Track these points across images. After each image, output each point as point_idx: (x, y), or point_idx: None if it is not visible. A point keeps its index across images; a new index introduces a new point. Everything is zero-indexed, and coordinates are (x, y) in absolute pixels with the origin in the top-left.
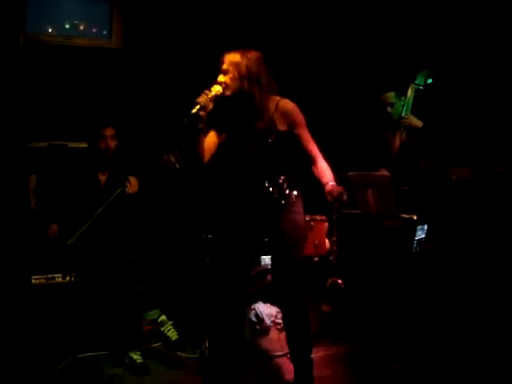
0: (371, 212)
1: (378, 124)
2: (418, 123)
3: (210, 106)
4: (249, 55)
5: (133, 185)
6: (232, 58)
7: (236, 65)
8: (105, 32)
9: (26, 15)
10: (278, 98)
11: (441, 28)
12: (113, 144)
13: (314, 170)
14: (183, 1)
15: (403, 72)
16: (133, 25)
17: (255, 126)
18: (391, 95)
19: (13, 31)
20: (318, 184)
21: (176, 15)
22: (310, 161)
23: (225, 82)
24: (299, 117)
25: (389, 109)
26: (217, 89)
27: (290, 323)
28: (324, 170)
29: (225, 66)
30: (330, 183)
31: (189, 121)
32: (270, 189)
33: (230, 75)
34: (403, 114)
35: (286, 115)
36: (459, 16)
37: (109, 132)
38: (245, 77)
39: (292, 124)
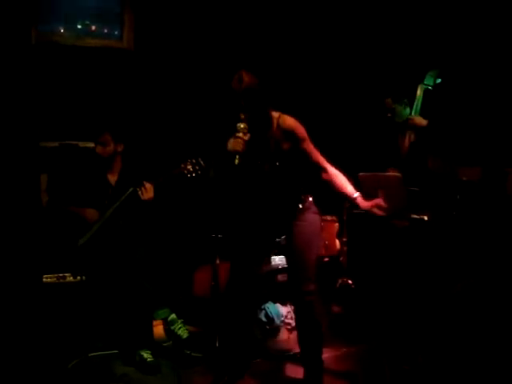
0: None
1: (387, 125)
2: (423, 122)
3: (245, 148)
4: (246, 79)
5: (148, 191)
6: (238, 86)
7: (250, 92)
8: (116, 32)
9: (39, 15)
10: (277, 114)
11: (449, 28)
12: (107, 149)
13: (328, 179)
14: (195, 1)
15: (412, 73)
16: (144, 25)
17: (267, 148)
18: (388, 102)
19: (25, 31)
20: (328, 185)
21: (187, 15)
22: (321, 171)
23: (247, 116)
24: (301, 132)
25: (389, 114)
26: (242, 126)
27: (302, 324)
28: (342, 182)
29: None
30: (355, 195)
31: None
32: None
33: (249, 107)
34: (412, 115)
35: (287, 133)
36: (467, 15)
37: (104, 138)
38: (260, 100)
39: (296, 140)
